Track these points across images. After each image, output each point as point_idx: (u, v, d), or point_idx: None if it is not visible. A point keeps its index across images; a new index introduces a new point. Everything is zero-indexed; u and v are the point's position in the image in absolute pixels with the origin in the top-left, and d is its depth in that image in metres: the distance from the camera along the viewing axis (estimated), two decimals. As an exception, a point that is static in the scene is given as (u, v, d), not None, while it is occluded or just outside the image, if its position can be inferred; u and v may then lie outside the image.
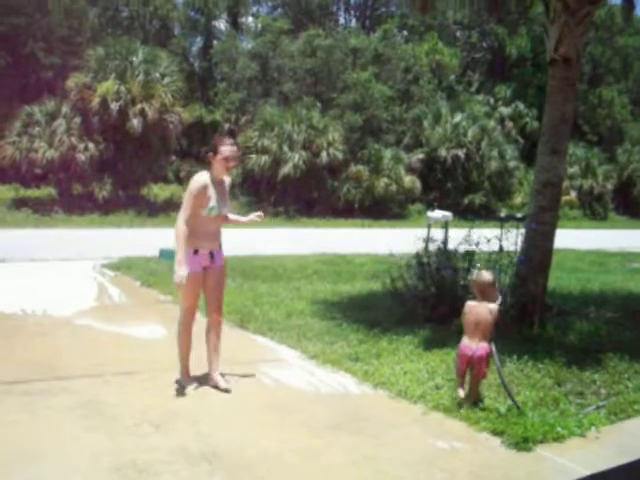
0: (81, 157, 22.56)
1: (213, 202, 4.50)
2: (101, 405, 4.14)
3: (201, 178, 4.51)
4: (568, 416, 4.16)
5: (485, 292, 4.39)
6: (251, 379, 4.82)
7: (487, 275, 4.49)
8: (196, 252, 4.50)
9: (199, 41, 34.55)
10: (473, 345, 4.28)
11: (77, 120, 23.23)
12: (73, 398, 4.25)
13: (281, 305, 7.50)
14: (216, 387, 4.54)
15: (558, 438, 3.83)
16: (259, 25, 33.67)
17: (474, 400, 4.30)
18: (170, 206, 23.72)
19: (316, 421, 3.99)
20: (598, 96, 39.12)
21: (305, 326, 6.43)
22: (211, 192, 4.51)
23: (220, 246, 4.71)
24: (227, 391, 4.48)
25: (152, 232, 17.80)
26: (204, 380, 4.64)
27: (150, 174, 24.75)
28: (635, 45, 44.21)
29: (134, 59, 24.19)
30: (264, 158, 25.42)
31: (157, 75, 24.22)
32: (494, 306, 4.36)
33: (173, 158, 27.07)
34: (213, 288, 4.66)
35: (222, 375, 4.64)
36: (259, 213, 5.00)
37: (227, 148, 4.58)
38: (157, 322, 6.69)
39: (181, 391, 4.48)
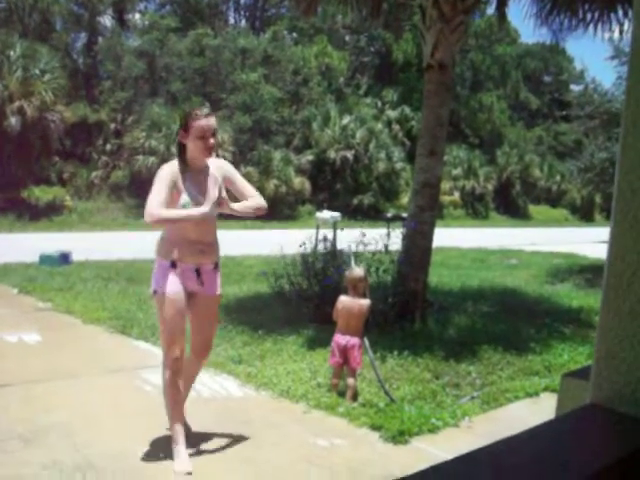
0: (-48, 158, 21.10)
1: (186, 197, 3.35)
2: (-36, 422, 3.89)
3: (165, 166, 3.43)
4: (444, 408, 4.34)
5: (356, 287, 4.55)
6: (132, 386, 4.68)
7: (358, 271, 4.68)
8: (174, 265, 3.39)
9: (83, 37, 33.04)
10: (347, 336, 4.45)
11: (-52, 119, 21.68)
12: None
13: (166, 309, 7.32)
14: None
15: (433, 429, 3.98)
16: (146, 22, 32.76)
17: (353, 394, 4.40)
18: (53, 209, 22.57)
19: (196, 426, 3.93)
20: (479, 101, 41.14)
21: (189, 330, 6.32)
22: (182, 185, 3.36)
23: (215, 264, 3.54)
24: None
25: (34, 236, 16.92)
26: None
27: (31, 176, 23.42)
28: (512, 54, 46.95)
29: (11, 54, 22.77)
30: (151, 159, 24.64)
31: (37, 71, 22.92)
32: (365, 301, 4.54)
33: (56, 159, 25.75)
34: (200, 325, 3.64)
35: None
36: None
37: (202, 122, 3.36)
38: (33, 331, 6.35)
39: (55, 403, 4.28)
